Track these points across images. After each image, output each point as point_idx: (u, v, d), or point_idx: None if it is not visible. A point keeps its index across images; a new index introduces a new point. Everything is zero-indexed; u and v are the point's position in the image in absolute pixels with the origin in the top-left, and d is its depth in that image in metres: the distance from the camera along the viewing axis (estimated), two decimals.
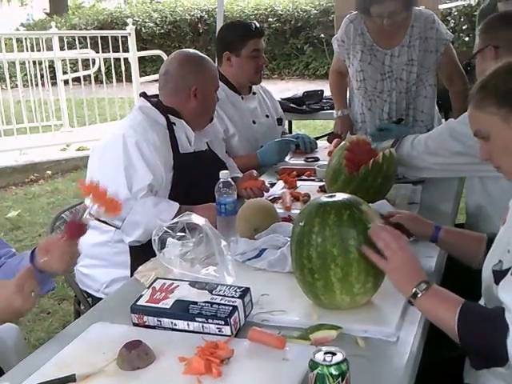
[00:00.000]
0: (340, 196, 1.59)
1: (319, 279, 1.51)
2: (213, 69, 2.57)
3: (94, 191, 1.56)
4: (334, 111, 3.90)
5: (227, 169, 2.53)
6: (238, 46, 3.06)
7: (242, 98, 3.16)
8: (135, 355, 1.36)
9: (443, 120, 3.52)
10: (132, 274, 1.97)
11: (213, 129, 2.74)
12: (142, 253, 2.17)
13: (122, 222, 2.28)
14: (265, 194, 2.50)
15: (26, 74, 7.57)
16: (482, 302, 1.55)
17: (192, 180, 2.40)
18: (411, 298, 1.42)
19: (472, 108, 1.51)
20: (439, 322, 1.42)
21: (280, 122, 3.41)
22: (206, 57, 2.57)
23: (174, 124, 2.44)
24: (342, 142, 2.38)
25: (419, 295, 1.40)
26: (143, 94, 2.54)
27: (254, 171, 2.64)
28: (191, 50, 2.66)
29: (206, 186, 2.36)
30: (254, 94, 3.26)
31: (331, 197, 1.60)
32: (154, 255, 1.87)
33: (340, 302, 1.53)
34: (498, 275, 1.39)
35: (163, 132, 2.40)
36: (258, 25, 3.17)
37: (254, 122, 3.18)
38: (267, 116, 3.29)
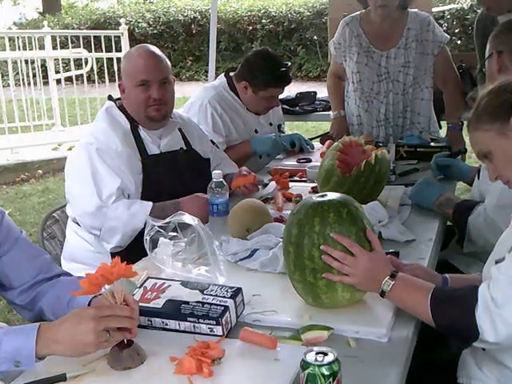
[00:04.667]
0: (332, 195, 1.60)
1: (322, 278, 1.51)
2: (138, 61, 2.36)
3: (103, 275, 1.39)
4: (326, 112, 3.93)
5: (210, 167, 2.52)
6: (258, 86, 3.02)
7: (247, 108, 3.16)
8: (127, 355, 1.36)
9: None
10: None
11: (189, 124, 2.69)
12: (124, 256, 2.16)
13: (99, 231, 2.29)
14: (257, 193, 2.50)
15: (17, 73, 7.53)
16: None
17: (163, 181, 2.38)
18: (381, 295, 1.48)
19: (470, 131, 1.55)
20: (413, 310, 1.47)
21: (279, 127, 3.43)
22: (143, 49, 2.40)
23: (138, 126, 2.41)
24: (335, 143, 2.39)
25: (387, 292, 1.47)
26: (110, 97, 2.51)
27: (244, 168, 2.61)
28: (140, 45, 2.53)
29: (183, 185, 2.36)
30: None
31: (323, 196, 1.60)
32: (137, 257, 1.87)
33: (340, 299, 1.54)
34: None
35: (127, 136, 2.37)
36: (288, 74, 3.09)
37: (256, 132, 3.19)
38: (270, 124, 3.31)
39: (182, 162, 2.49)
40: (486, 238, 1.99)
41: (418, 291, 1.45)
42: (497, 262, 1.41)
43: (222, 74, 3.24)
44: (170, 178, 2.39)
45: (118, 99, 2.49)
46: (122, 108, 2.44)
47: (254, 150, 3.09)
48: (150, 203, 2.28)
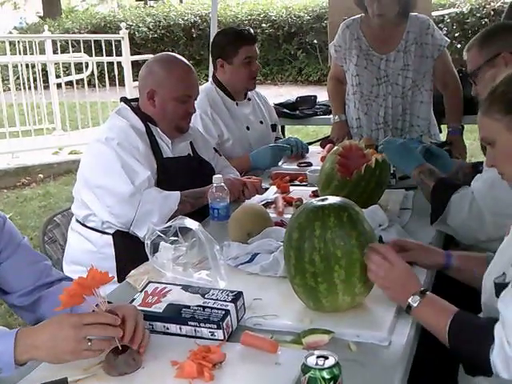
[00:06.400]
0: (333, 199, 1.60)
1: (322, 282, 1.51)
2: (180, 75, 2.42)
3: (83, 285, 1.37)
4: (327, 116, 3.93)
5: (214, 172, 2.53)
6: (230, 54, 3.05)
7: (237, 104, 3.17)
8: (122, 360, 1.35)
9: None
10: (119, 280, 1.97)
11: (197, 133, 2.72)
12: (127, 258, 2.17)
13: (132, 219, 2.27)
14: (257, 197, 2.50)
15: (18, 78, 7.55)
16: (481, 314, 1.53)
17: (175, 184, 2.38)
18: (407, 309, 1.47)
19: (480, 114, 1.52)
20: (433, 329, 1.46)
21: (274, 128, 3.42)
22: (183, 63, 2.47)
23: (152, 129, 2.43)
24: (335, 147, 2.39)
25: (413, 307, 1.45)
26: (124, 99, 2.52)
27: (254, 177, 2.62)
28: (170, 53, 2.59)
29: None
30: (249, 100, 3.26)
31: (323, 200, 1.60)
32: (140, 260, 1.87)
33: (341, 303, 1.54)
34: (500, 288, 1.38)
35: (143, 137, 2.39)
36: (250, 31, 3.16)
37: (247, 128, 3.19)
38: (261, 122, 3.30)
39: (192, 167, 2.52)
40: (466, 223, 1.98)
41: (441, 313, 1.43)
42: (497, 286, 1.38)
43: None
44: (181, 181, 2.41)
45: (132, 100, 2.51)
46: (135, 110, 2.44)
47: (255, 167, 3.02)
48: (178, 191, 2.32)
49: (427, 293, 1.48)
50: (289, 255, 1.57)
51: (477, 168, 2.43)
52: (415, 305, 1.45)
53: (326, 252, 1.50)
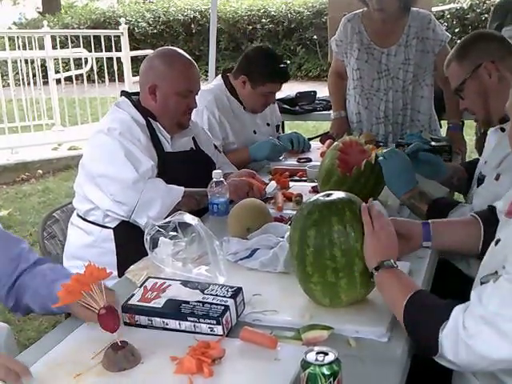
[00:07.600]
0: (338, 194, 1.59)
1: (343, 277, 1.51)
2: (182, 70, 2.41)
3: (80, 281, 1.38)
4: (326, 112, 3.93)
5: (215, 167, 2.52)
6: (257, 81, 3.03)
7: (244, 108, 3.16)
8: (121, 356, 1.35)
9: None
10: (119, 275, 1.96)
11: (198, 128, 2.72)
12: (128, 253, 2.16)
13: (133, 207, 2.26)
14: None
15: (17, 73, 7.54)
16: None
17: (176, 178, 2.38)
18: (374, 269, 1.48)
19: None
20: (390, 301, 1.47)
21: (277, 128, 3.43)
22: (185, 58, 2.46)
23: (153, 123, 2.43)
24: (335, 143, 2.39)
25: (380, 270, 1.46)
26: (124, 93, 2.51)
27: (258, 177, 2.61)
28: (171, 48, 2.58)
29: (194, 184, 2.37)
30: None
31: (328, 195, 1.59)
32: (141, 255, 1.87)
33: (357, 295, 1.54)
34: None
35: (144, 130, 2.38)
36: (287, 71, 3.12)
37: (254, 132, 3.19)
38: (268, 124, 3.31)
39: (194, 162, 2.51)
40: None
41: (403, 287, 1.44)
42: (482, 283, 1.36)
43: (219, 76, 3.24)
44: (183, 176, 2.40)
45: (133, 94, 2.50)
46: (136, 104, 2.44)
47: (253, 158, 3.05)
48: (182, 187, 2.32)
49: (386, 263, 1.47)
50: (305, 254, 1.53)
51: (470, 171, 2.41)
52: (383, 268, 1.46)
53: (347, 246, 1.50)
